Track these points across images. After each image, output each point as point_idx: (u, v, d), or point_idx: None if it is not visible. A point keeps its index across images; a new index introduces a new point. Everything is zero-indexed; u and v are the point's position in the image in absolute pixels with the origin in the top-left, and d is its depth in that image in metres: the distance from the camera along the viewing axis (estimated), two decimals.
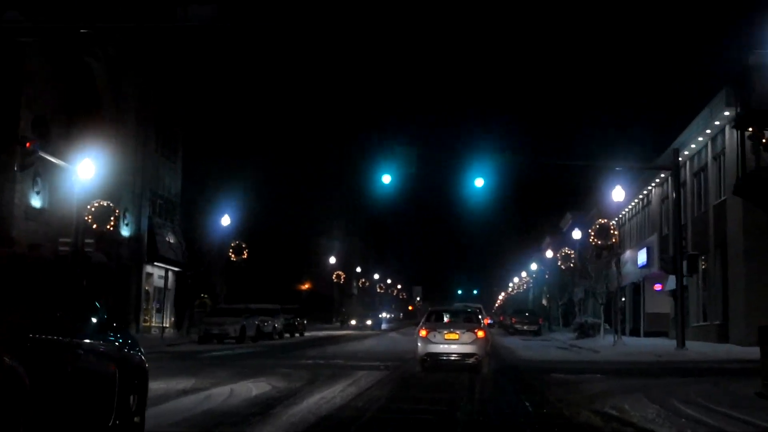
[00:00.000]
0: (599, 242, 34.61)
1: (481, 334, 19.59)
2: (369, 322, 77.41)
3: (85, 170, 29.30)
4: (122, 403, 7.59)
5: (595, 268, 39.58)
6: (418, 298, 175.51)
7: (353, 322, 77.70)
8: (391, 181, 29.56)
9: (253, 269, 68.71)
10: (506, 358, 27.49)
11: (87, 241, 30.09)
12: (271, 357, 26.15)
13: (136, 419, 8.08)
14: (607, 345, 35.39)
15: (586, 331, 43.43)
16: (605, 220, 35.27)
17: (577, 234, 50.34)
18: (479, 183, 29.26)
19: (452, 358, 19.65)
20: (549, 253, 68.66)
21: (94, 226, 29.51)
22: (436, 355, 19.68)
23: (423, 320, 22.03)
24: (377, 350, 31.11)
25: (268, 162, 71.40)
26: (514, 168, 35.44)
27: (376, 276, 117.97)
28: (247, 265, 58.68)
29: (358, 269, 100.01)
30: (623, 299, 48.63)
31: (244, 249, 46.63)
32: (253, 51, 58.96)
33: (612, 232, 34.74)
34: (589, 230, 35.48)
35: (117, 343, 7.75)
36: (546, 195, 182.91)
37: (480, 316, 22.26)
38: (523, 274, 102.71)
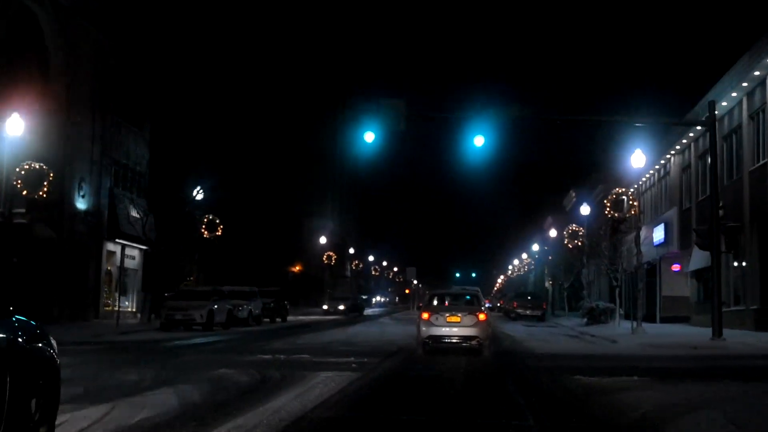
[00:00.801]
0: (616, 215, 30.09)
1: (482, 317, 19.88)
2: (341, 307, 62.75)
3: (14, 127, 24.72)
4: (17, 410, 6.13)
5: (609, 246, 35.10)
6: (414, 281, 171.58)
7: (325, 306, 64.30)
8: (376, 140, 25.02)
9: (236, 250, 64.34)
10: (511, 350, 23.03)
11: (17, 210, 25.48)
12: (229, 350, 21.72)
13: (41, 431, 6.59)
14: (624, 333, 30.97)
15: (596, 317, 38.97)
16: (622, 189, 30.71)
17: (585, 209, 45.87)
18: (479, 142, 24.72)
19: (454, 340, 19.95)
20: (552, 232, 64.19)
21: (24, 192, 24.90)
22: (438, 338, 19.94)
23: (425, 303, 22.53)
24: (357, 340, 26.60)
25: (252, 133, 66.77)
26: (519, 129, 30.89)
27: (371, 258, 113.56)
28: (222, 243, 54.24)
29: (352, 250, 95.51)
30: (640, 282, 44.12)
31: (218, 225, 41.98)
32: (228, 10, 54.30)
33: (631, 202, 30.19)
34: (605, 201, 30.93)
35: (6, 334, 6.20)
36: (550, 170, 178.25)
37: (480, 300, 22.20)
38: (524, 255, 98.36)
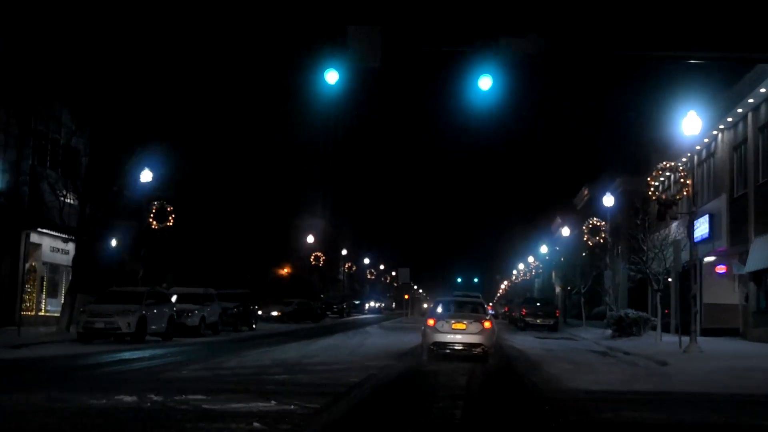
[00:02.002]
0: (663, 196, 22.96)
1: (488, 324, 20.05)
2: (275, 313, 50.49)
3: None
4: None
5: (646, 238, 27.95)
6: (414, 286, 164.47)
7: (274, 313, 50.48)
8: (339, 82, 17.91)
9: (205, 247, 57.20)
10: (530, 383, 15.83)
11: None
12: (97, 380, 14.64)
13: None
14: (670, 351, 23.85)
15: (625, 328, 31.84)
16: (671, 163, 23.58)
17: (609, 200, 38.73)
18: (485, 84, 17.59)
19: (458, 347, 19.85)
20: (565, 231, 57.02)
21: None
22: (443, 344, 19.89)
23: (430, 310, 23.92)
24: (314, 361, 19.21)
25: (229, 112, 59.50)
26: (538, 72, 23.72)
27: (367, 260, 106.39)
28: (188, 239, 47.26)
29: (344, 252, 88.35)
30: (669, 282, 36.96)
31: (170, 214, 34.88)
32: None
33: (682, 179, 23.07)
34: (648, 179, 23.75)
35: None
36: (558, 168, 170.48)
37: (486, 308, 23.01)
38: (530, 259, 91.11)
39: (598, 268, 43.33)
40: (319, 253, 72.05)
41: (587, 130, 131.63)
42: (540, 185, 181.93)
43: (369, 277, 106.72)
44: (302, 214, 78.90)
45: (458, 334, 19.78)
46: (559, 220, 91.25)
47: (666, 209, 22.67)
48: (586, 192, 72.24)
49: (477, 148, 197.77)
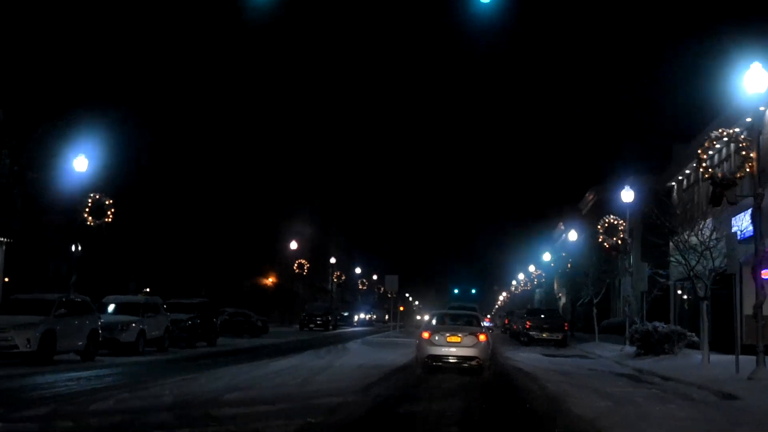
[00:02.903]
0: (719, 175, 17.41)
1: (483, 337, 19.89)
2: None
3: None
4: None
5: (688, 235, 22.34)
6: (410, 298, 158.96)
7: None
8: None
9: (177, 254, 51.60)
10: None
11: None
12: None
13: None
14: (723, 376, 18.38)
15: (654, 345, 26.21)
16: (731, 130, 18.02)
17: (627, 195, 33.17)
18: None
19: (453, 360, 19.78)
20: (572, 235, 51.44)
21: None
22: (438, 357, 19.85)
23: (425, 323, 25.22)
24: (238, 399, 13.34)
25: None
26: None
27: (358, 270, 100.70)
28: (133, 237, 41.62)
29: (333, 260, 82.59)
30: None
31: (109, 208, 29.28)
32: None
33: (744, 152, 17.50)
34: (699, 152, 18.14)
35: None
36: (558, 177, 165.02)
37: (480, 319, 22.74)
38: (531, 268, 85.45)
39: (613, 274, 37.75)
40: (303, 261, 66.38)
41: (605, 115, 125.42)
42: (540, 191, 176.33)
43: (361, 287, 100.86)
44: (287, 219, 73.15)
45: (453, 347, 19.71)
46: (561, 227, 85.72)
47: (723, 190, 17.09)
48: (591, 196, 66.73)
49: (475, 153, 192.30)
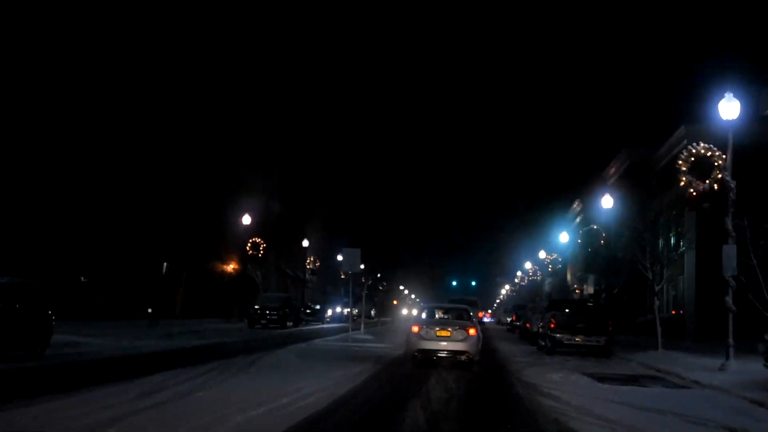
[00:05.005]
0: None
1: (472, 331, 19.75)
2: None
3: None
4: None
5: None
6: (406, 291, 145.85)
7: None
8: None
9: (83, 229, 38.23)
10: None
11: None
12: None
13: None
14: None
15: None
16: None
17: (730, 109, 19.63)
18: None
19: (443, 354, 19.63)
20: (606, 201, 37.82)
21: None
22: (427, 352, 19.72)
23: (415, 316, 24.43)
24: None
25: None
26: None
27: (339, 257, 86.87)
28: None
29: (306, 243, 69.10)
30: None
31: None
32: None
33: None
34: None
35: None
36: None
37: (471, 314, 22.11)
38: (541, 254, 71.96)
39: (686, 243, 24.28)
40: (257, 239, 52.82)
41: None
42: (545, 174, 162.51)
43: (343, 276, 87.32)
44: (243, 192, 59.54)
45: (443, 341, 19.52)
46: (576, 206, 72.39)
47: None
48: (618, 164, 53.17)
49: (473, 140, 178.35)
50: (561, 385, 16.51)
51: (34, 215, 35.02)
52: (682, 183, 20.14)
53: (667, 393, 15.78)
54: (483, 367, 20.02)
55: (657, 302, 26.16)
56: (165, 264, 37.47)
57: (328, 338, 32.43)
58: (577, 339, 26.54)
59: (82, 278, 39.90)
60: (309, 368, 18.09)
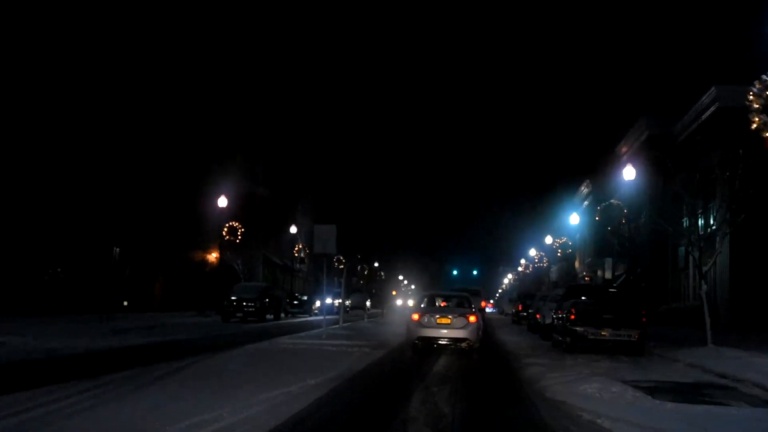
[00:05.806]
0: None
1: (473, 318, 19.66)
2: None
3: None
4: None
5: None
6: (405, 281, 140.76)
7: None
8: None
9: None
10: None
11: None
12: None
13: None
14: None
15: None
16: None
17: None
18: None
19: (443, 342, 19.62)
20: (629, 172, 32.61)
21: None
22: (428, 339, 19.67)
23: (416, 304, 22.97)
24: None
25: None
26: None
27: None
28: None
29: (294, 229, 64.02)
30: None
31: None
32: None
33: None
34: None
35: None
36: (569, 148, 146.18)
37: (471, 303, 21.58)
38: (548, 239, 66.87)
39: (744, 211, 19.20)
40: (235, 223, 47.73)
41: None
42: (549, 159, 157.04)
43: (336, 264, 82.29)
44: (224, 178, 54.37)
45: (443, 329, 19.44)
46: (584, 189, 67.28)
47: None
48: (636, 135, 47.88)
49: (473, 128, 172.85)
50: (602, 404, 11.46)
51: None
52: (755, 125, 14.96)
53: (764, 417, 10.70)
54: (490, 376, 14.96)
55: (705, 286, 20.96)
56: (116, 249, 32.21)
57: (302, 334, 27.27)
58: (603, 333, 21.36)
59: (50, 272, 35.06)
60: (248, 380, 12.99)
